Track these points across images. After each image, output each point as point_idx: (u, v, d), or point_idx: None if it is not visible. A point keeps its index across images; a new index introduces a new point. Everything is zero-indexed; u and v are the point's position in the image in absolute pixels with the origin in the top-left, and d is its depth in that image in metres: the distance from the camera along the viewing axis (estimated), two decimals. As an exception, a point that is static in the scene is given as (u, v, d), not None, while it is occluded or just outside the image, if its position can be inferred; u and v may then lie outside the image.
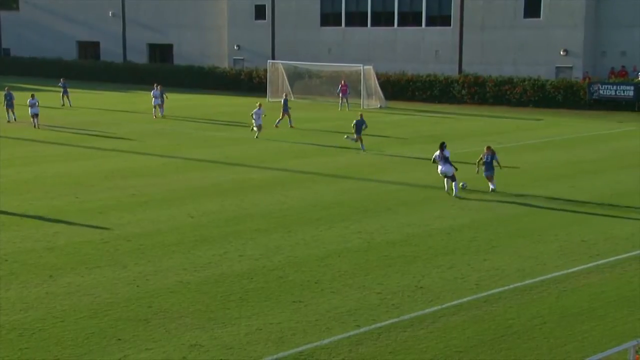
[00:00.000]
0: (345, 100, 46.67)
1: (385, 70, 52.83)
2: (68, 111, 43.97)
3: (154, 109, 41.14)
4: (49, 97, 48.00)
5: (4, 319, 12.78)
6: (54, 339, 12.05)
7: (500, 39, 53.90)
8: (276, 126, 36.92)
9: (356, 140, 30.02)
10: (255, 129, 33.52)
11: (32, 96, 36.58)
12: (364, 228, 18.84)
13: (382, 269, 15.71)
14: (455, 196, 22.33)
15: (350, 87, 48.83)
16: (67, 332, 12.33)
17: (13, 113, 38.52)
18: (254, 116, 33.46)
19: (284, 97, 40.29)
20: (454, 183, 22.61)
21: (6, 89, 39.64)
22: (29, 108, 36.31)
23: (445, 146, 22.91)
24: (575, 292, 14.45)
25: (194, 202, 21.50)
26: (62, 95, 46.81)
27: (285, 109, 38.22)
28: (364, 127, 30.19)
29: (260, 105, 33.94)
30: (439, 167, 22.71)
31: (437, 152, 22.76)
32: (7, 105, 38.28)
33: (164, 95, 41.45)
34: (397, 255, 16.67)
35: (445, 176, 22.71)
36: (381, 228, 18.87)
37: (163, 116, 40.89)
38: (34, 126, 35.51)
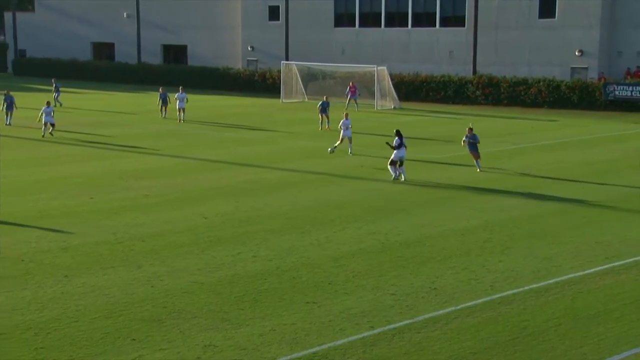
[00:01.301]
0: (354, 102, 46.63)
1: (399, 71, 52.78)
2: (82, 112, 44.14)
3: (178, 113, 39.86)
4: (64, 98, 48.22)
5: (19, 318, 12.84)
6: (69, 339, 12.09)
7: (514, 39, 53.73)
8: (326, 128, 36.60)
9: (335, 149, 29.61)
10: (339, 144, 29.70)
11: (48, 104, 34.96)
12: (378, 229, 18.81)
13: (396, 270, 15.68)
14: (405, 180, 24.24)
15: (363, 88, 48.81)
16: (81, 332, 12.37)
17: (10, 116, 37.72)
18: (342, 127, 29.63)
19: (325, 99, 38.22)
20: (402, 168, 24.56)
21: (6, 91, 39.51)
22: (44, 115, 34.37)
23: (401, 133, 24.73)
24: (590, 293, 14.36)
25: (207, 202, 21.54)
26: (55, 96, 46.78)
27: (325, 111, 37.09)
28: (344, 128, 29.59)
29: (347, 115, 30.32)
30: (396, 153, 24.39)
31: (397, 139, 24.36)
32: (6, 108, 37.77)
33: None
34: (411, 256, 16.63)
35: (400, 162, 24.45)
36: (395, 229, 18.83)
37: (184, 120, 39.77)
38: (48, 133, 33.89)
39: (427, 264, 16.05)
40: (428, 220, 19.79)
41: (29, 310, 13.23)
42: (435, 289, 14.54)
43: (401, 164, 24.66)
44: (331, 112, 37.73)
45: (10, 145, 31.73)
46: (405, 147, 24.71)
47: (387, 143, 25.29)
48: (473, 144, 25.98)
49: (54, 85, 47.65)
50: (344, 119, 29.78)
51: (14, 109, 38.23)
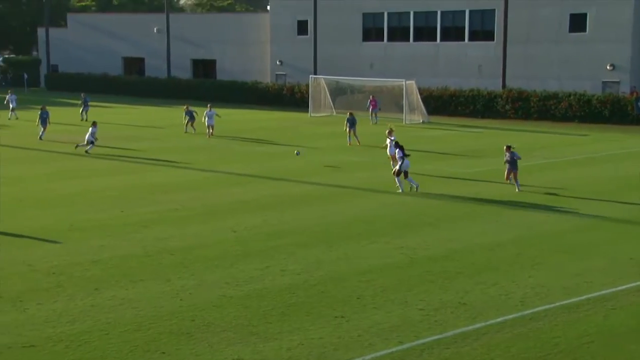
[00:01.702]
0: (374, 115, 46.68)
1: (428, 85, 52.70)
2: (113, 126, 44.59)
3: (207, 129, 39.70)
4: (94, 112, 48.78)
5: (51, 331, 12.95)
6: (99, 352, 12.17)
7: (544, 53, 53.46)
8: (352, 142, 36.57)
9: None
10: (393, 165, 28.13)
11: (94, 124, 34.47)
12: (406, 243, 18.73)
13: (424, 284, 15.59)
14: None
15: (392, 102, 48.83)
16: (111, 344, 12.45)
17: (44, 131, 38.11)
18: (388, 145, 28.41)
19: (349, 115, 37.68)
20: (410, 178, 24.96)
21: (42, 106, 39.79)
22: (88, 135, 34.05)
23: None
24: (623, 310, 14.15)
25: (236, 216, 21.62)
26: (82, 110, 47.34)
27: (353, 126, 36.81)
28: None
29: (391, 131, 29.20)
30: (401, 165, 24.69)
31: (399, 151, 24.82)
32: (41, 122, 38.17)
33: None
34: (439, 271, 16.53)
35: (405, 173, 24.75)
36: (423, 243, 18.74)
37: (213, 135, 39.70)
38: (87, 152, 33.44)
39: (456, 279, 15.94)
40: (456, 235, 19.67)
41: (60, 322, 13.34)
42: (464, 304, 14.43)
43: (406, 175, 24.92)
44: (364, 126, 37.59)
45: (43, 159, 32.14)
46: (408, 156, 25.03)
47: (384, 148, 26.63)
48: (513, 161, 25.14)
49: (82, 99, 48.18)
50: (390, 137, 28.55)
51: (48, 124, 38.72)
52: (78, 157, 32.67)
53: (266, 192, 25.08)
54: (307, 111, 52.78)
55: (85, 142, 33.87)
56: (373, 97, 47.84)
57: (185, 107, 42.99)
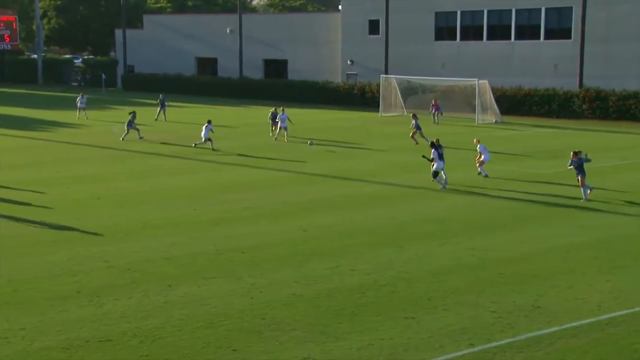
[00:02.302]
0: (436, 116, 46.30)
1: (501, 84, 51.84)
2: (183, 125, 45.33)
3: (278, 131, 38.63)
4: (170, 112, 49.66)
5: (126, 326, 13.23)
6: (172, 347, 12.36)
7: (623, 51, 51.93)
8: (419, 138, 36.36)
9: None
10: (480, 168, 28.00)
11: (209, 122, 35.11)
12: (477, 244, 18.46)
13: (496, 287, 15.33)
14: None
15: (464, 102, 48.25)
16: (184, 340, 12.63)
17: (127, 133, 37.86)
18: (480, 151, 27.95)
19: (412, 117, 37.72)
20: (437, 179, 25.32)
21: (131, 112, 39.78)
22: (203, 131, 34.82)
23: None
24: None
25: (306, 215, 21.69)
26: (159, 110, 48.03)
27: (419, 128, 36.95)
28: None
29: (479, 140, 28.56)
30: (437, 165, 25.02)
31: (434, 150, 25.04)
32: (128, 124, 38.15)
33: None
34: (513, 273, 16.22)
35: (435, 174, 25.20)
36: (495, 245, 18.43)
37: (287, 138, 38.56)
38: (212, 149, 33.71)
39: (529, 282, 15.62)
40: (530, 236, 19.28)
41: (135, 318, 13.62)
42: (538, 307, 14.12)
43: (435, 175, 25.28)
44: (436, 127, 37.19)
45: (118, 158, 32.91)
46: (443, 156, 25.28)
47: (424, 156, 25.86)
48: (580, 166, 23.68)
49: (160, 100, 48.99)
50: (478, 144, 28.13)
51: (133, 126, 38.40)
52: (150, 156, 33.32)
53: (336, 192, 25.09)
54: (378, 111, 52.60)
55: (203, 140, 34.72)
56: (435, 101, 47.41)
57: (273, 109, 41.01)
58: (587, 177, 24.11)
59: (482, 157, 27.89)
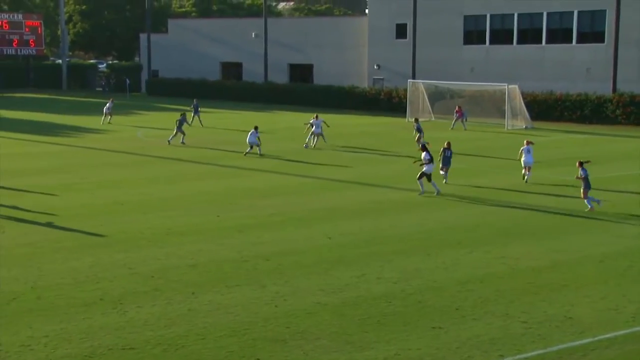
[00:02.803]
0: (460, 122, 45.83)
1: (531, 89, 51.21)
2: (208, 130, 45.28)
3: (313, 138, 37.65)
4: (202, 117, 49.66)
5: (149, 334, 13.04)
6: (195, 356, 12.16)
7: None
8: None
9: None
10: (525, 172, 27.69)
11: (255, 128, 34.75)
12: (507, 253, 18.07)
13: (527, 296, 14.95)
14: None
15: (493, 107, 47.75)
16: (207, 349, 12.42)
17: (174, 136, 37.87)
18: (523, 152, 27.61)
19: (414, 121, 38.69)
20: (434, 182, 25.12)
21: (182, 114, 39.47)
22: (249, 136, 34.44)
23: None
24: None
25: (331, 222, 21.42)
26: (193, 116, 47.99)
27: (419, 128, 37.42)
28: None
29: (529, 141, 28.21)
30: (427, 168, 24.88)
31: (426, 154, 25.04)
32: (179, 125, 38.12)
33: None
34: (544, 283, 15.82)
35: (429, 177, 24.98)
36: (526, 253, 18.03)
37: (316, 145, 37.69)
38: (259, 155, 33.61)
39: (561, 292, 15.22)
40: (562, 245, 18.85)
41: (159, 326, 13.43)
42: (570, 318, 13.74)
43: (429, 179, 25.05)
44: (465, 132, 36.81)
45: (141, 163, 32.88)
46: (434, 160, 25.33)
47: (418, 161, 25.80)
48: (586, 177, 22.70)
49: (193, 105, 48.95)
50: (525, 145, 27.70)
51: (181, 129, 38.32)
52: (175, 162, 33.26)
53: (362, 198, 24.80)
54: (405, 116, 52.20)
55: (250, 147, 34.32)
56: (459, 107, 46.83)
57: (315, 117, 38.92)
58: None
59: (523, 157, 27.39)
